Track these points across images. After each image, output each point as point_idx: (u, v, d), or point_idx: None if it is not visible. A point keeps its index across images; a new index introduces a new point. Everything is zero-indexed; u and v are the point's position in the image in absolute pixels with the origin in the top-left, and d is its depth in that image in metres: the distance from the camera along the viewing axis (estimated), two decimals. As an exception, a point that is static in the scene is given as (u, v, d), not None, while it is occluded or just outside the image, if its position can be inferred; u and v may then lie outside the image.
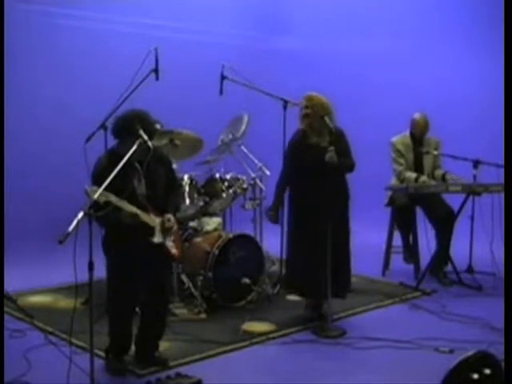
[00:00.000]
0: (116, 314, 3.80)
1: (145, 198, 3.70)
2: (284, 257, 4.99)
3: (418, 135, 6.01)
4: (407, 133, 6.07)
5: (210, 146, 5.61)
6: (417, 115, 6.02)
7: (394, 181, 6.05)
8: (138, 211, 3.56)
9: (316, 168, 4.44)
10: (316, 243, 4.46)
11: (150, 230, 3.68)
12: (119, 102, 4.55)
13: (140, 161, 3.67)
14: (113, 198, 3.38)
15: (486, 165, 5.73)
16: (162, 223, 3.72)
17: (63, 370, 3.39)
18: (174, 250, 3.82)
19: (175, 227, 3.83)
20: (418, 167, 6.01)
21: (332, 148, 4.35)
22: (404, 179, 5.91)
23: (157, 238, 3.70)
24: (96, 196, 3.24)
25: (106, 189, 3.33)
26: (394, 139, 6.05)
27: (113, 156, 3.65)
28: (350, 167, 4.64)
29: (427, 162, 6.04)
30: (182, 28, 7.38)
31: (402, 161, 5.98)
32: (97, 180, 3.54)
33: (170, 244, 3.80)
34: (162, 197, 3.80)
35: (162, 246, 3.75)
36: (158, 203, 3.76)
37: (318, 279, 4.45)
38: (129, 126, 3.61)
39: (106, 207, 3.36)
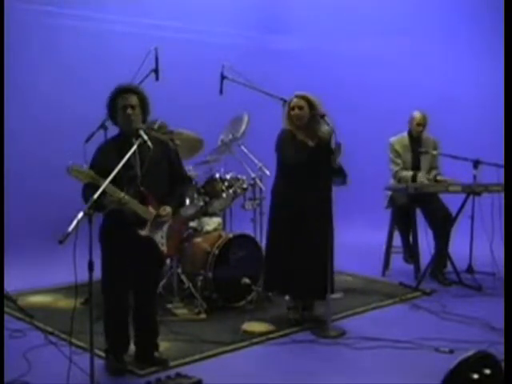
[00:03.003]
0: (110, 311, 3.78)
1: (145, 187, 3.65)
2: (265, 255, 4.87)
3: (415, 133, 6.03)
4: (405, 133, 6.10)
5: (210, 146, 5.61)
6: (415, 112, 6.04)
7: (392, 181, 6.06)
8: (126, 197, 3.51)
9: (303, 166, 4.42)
10: (298, 242, 4.45)
11: (142, 222, 3.65)
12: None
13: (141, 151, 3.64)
14: (95, 178, 3.34)
15: (486, 165, 5.73)
16: (157, 215, 3.69)
17: (63, 370, 3.38)
18: (163, 248, 3.77)
19: (170, 221, 3.77)
20: (416, 167, 6.02)
21: (334, 154, 4.35)
22: (400, 179, 5.93)
23: (144, 231, 3.66)
24: (73, 173, 3.30)
25: (104, 171, 3.35)
26: (392, 139, 6.08)
27: (114, 141, 3.76)
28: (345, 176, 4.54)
29: (425, 161, 6.06)
30: (182, 28, 7.38)
31: (398, 161, 6.01)
32: (93, 163, 3.63)
33: (160, 240, 3.75)
34: (164, 189, 3.77)
35: (152, 242, 3.71)
36: (159, 194, 3.72)
37: (300, 280, 4.45)
38: (110, 103, 3.71)
39: (104, 204, 3.37)
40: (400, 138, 6.08)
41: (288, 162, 4.50)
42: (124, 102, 3.64)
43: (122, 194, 3.48)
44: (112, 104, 3.70)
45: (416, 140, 6.05)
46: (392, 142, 6.07)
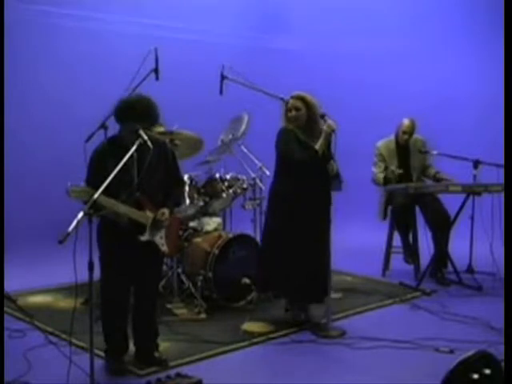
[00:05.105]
0: (109, 312, 3.78)
1: (142, 190, 3.64)
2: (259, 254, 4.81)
3: (401, 140, 5.99)
4: (392, 137, 6.08)
5: (210, 146, 5.61)
6: (404, 120, 5.99)
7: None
8: (127, 210, 3.52)
9: (306, 166, 4.36)
10: (297, 243, 4.42)
11: (141, 227, 3.64)
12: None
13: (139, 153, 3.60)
14: (98, 197, 3.30)
15: (486, 165, 5.73)
16: (155, 218, 3.69)
17: (63, 370, 3.38)
18: (163, 248, 3.78)
19: (167, 223, 3.76)
20: (406, 169, 6.00)
21: (332, 161, 4.34)
22: (378, 181, 5.96)
23: (145, 237, 3.66)
24: (74, 194, 3.31)
25: (102, 179, 3.32)
26: (379, 143, 6.08)
27: (111, 143, 3.72)
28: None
29: (415, 162, 6.03)
30: (182, 28, 7.38)
31: (381, 165, 5.99)
32: (91, 166, 3.62)
33: (160, 241, 3.75)
34: (160, 191, 3.75)
35: (151, 243, 3.71)
36: (155, 197, 3.72)
37: (296, 281, 4.42)
38: (120, 113, 3.66)
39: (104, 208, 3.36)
40: (387, 143, 6.05)
41: (288, 160, 4.41)
42: (135, 128, 3.57)
43: (118, 206, 3.47)
44: (122, 116, 3.66)
45: (402, 145, 6.02)
46: (378, 146, 6.05)
